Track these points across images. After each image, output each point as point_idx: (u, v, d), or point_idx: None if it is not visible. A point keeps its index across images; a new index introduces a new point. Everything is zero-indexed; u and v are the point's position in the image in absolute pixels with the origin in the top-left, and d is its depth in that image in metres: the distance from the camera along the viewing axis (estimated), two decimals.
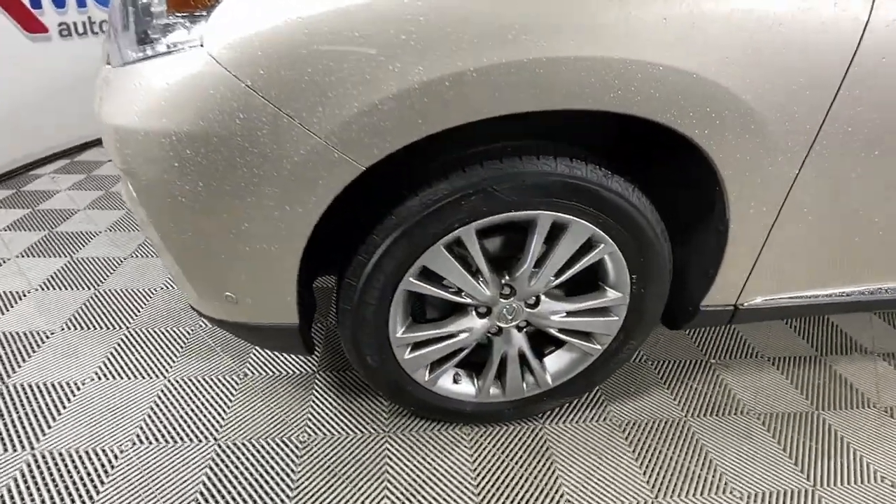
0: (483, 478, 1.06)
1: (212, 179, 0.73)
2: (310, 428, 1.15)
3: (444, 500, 1.01)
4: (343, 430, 1.15)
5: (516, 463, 1.10)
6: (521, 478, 1.07)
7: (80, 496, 0.97)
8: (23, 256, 1.72)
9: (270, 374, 1.29)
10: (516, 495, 1.03)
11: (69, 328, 1.40)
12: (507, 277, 0.96)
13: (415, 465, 1.08)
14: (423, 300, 1.06)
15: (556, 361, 1.13)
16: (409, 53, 0.66)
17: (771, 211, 0.89)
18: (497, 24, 0.66)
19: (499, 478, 1.06)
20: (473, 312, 1.01)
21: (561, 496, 1.03)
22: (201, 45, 0.67)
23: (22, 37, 2.23)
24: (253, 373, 1.29)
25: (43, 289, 1.56)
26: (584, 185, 0.82)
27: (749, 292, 1.05)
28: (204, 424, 1.14)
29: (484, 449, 1.13)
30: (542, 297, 1.01)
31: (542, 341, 1.14)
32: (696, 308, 1.07)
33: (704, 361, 1.43)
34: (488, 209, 0.82)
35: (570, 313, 1.03)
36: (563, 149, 0.83)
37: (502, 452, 1.12)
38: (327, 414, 1.19)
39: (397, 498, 1.01)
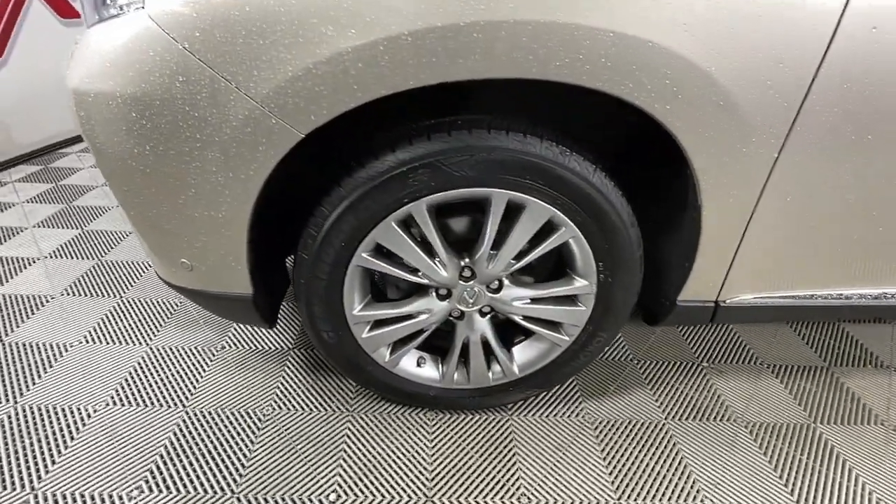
0: (440, 464, 1.04)
1: (158, 143, 0.74)
2: (275, 402, 1.16)
3: (397, 482, 1.00)
4: (307, 406, 1.15)
5: (476, 452, 1.07)
6: (478, 467, 1.04)
7: (50, 449, 1.02)
8: (39, 226, 1.82)
9: (247, 348, 1.32)
10: (471, 484, 1.00)
11: (68, 294, 1.48)
12: (467, 259, 0.94)
13: (372, 447, 1.07)
14: (385, 279, 1.04)
15: (524, 351, 1.09)
16: (341, 15, 0.64)
17: (749, 197, 0.83)
18: None
19: (456, 465, 1.04)
20: (434, 294, 0.98)
21: (518, 489, 1.00)
22: (143, 7, 0.68)
23: (56, 22, 2.37)
24: (231, 346, 1.32)
25: (52, 257, 1.65)
26: (538, 163, 0.78)
27: (731, 288, 0.98)
28: (176, 392, 1.17)
29: (445, 435, 1.10)
30: (505, 282, 0.97)
31: (512, 330, 1.11)
32: (672, 302, 1.00)
33: (696, 364, 1.35)
34: (437, 185, 0.80)
35: (534, 300, 0.99)
36: (516, 124, 0.79)
37: (464, 440, 1.10)
38: (295, 390, 1.19)
39: (349, 477, 1.00)
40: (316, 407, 1.15)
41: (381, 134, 0.84)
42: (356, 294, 0.95)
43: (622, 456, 1.08)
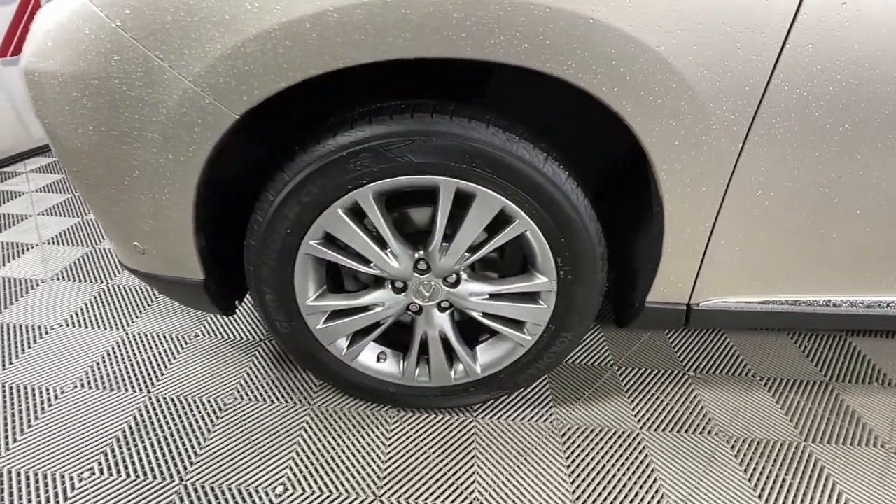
0: (393, 463, 1.01)
1: (99, 124, 0.74)
2: (238, 392, 1.15)
3: (347, 479, 0.97)
4: (269, 398, 1.14)
5: (433, 453, 1.03)
6: (433, 469, 1.00)
7: (14, 428, 1.04)
8: (43, 215, 1.89)
9: (220, 337, 1.32)
10: (423, 485, 0.97)
11: (59, 279, 1.52)
12: (422, 251, 0.91)
13: (328, 441, 1.05)
14: (342, 269, 1.02)
15: (487, 351, 1.05)
16: None
17: (714, 191, 0.77)
18: None
19: (410, 465, 1.00)
20: (390, 286, 0.96)
21: (471, 493, 0.96)
22: None
23: None
24: (204, 335, 1.32)
25: (49, 243, 1.70)
26: (484, 149, 0.75)
27: (704, 291, 0.91)
28: (143, 377, 1.18)
29: (404, 434, 1.07)
30: (463, 276, 0.94)
31: (477, 328, 1.07)
32: (641, 304, 0.95)
33: (681, 373, 1.28)
34: (380, 171, 0.77)
35: (494, 297, 0.95)
36: (462, 108, 0.76)
37: (422, 440, 1.06)
38: (259, 380, 1.19)
39: (300, 471, 0.98)
40: (277, 398, 1.14)
41: (333, 117, 0.82)
42: (310, 283, 0.94)
43: (587, 464, 1.02)
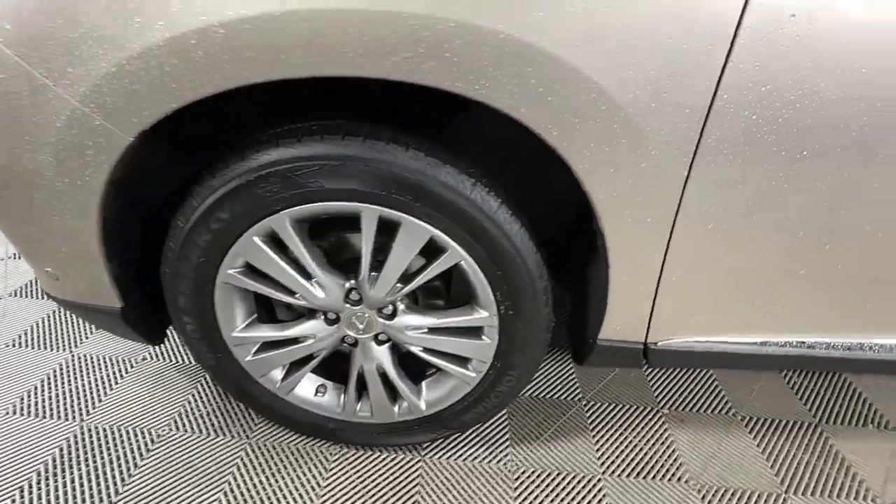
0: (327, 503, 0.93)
1: None
2: (175, 422, 1.09)
3: None
4: (206, 429, 1.08)
5: (371, 495, 0.96)
6: None
7: None
8: None
9: (167, 361, 1.26)
10: None
11: (14, 295, 1.48)
12: (353, 281, 0.84)
13: (261, 479, 0.98)
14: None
15: (432, 387, 0.97)
16: (147, 3, 0.57)
17: (660, 224, 0.69)
18: None
19: None
20: (322, 318, 0.89)
21: None
22: None
23: None
24: (152, 358, 1.27)
25: (15, 258, 1.68)
26: (401, 175, 0.68)
27: (662, 329, 0.83)
28: (79, 404, 1.13)
29: (343, 473, 1.00)
30: (400, 308, 0.87)
31: (425, 363, 0.99)
32: (594, 341, 0.86)
33: (654, 410, 1.18)
34: (293, 197, 0.71)
35: (433, 331, 0.88)
36: (379, 130, 0.70)
37: (361, 480, 0.98)
38: (199, 410, 1.12)
39: None
40: (214, 430, 1.08)
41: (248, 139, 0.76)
42: (236, 313, 0.88)
43: None
